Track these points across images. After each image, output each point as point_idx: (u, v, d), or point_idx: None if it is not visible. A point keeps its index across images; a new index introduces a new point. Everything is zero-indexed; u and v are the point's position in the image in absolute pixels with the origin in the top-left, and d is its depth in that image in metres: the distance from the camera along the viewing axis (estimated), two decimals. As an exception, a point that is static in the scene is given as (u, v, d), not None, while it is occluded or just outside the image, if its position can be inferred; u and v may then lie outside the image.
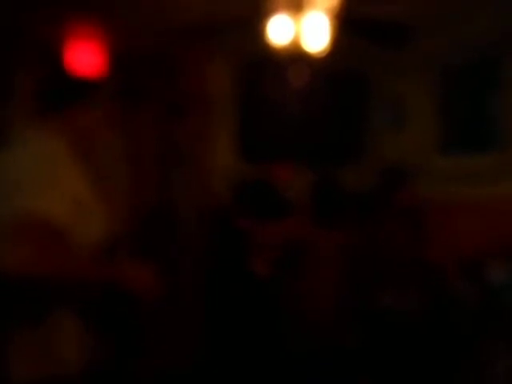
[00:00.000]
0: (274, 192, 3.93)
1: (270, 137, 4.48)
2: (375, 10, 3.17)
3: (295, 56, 3.09)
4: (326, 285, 3.73)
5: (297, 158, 4.23)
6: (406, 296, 3.45)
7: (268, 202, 3.93)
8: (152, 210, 4.20)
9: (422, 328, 3.33)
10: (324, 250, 3.77)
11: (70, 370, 1.51)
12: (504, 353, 3.05)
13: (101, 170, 3.34)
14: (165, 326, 3.56)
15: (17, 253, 1.32)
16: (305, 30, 3.03)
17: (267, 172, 4.10)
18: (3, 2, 3.11)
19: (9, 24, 3.31)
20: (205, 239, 4.20)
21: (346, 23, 3.05)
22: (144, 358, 2.54)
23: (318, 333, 3.64)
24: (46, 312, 1.46)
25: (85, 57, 3.29)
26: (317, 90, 4.41)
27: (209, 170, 4.33)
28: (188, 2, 3.43)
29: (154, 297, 1.63)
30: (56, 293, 1.45)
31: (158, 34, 3.86)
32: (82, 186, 1.58)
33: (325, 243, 3.79)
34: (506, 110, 3.96)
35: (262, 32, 3.12)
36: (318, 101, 4.52)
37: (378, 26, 3.17)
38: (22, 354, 1.46)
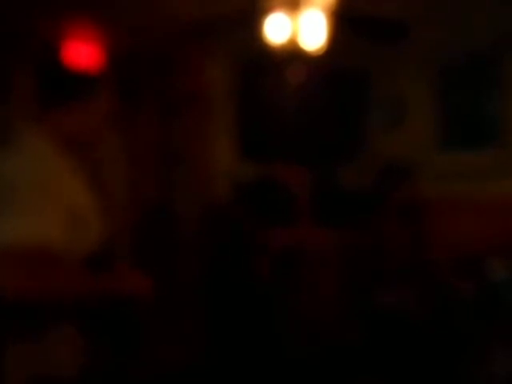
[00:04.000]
0: (275, 192, 3.94)
1: (269, 135, 4.47)
2: (372, 7, 3.16)
3: (293, 54, 3.09)
4: (326, 284, 3.73)
5: (296, 157, 4.22)
6: (407, 294, 3.45)
7: (270, 202, 3.94)
8: (152, 210, 4.19)
9: (423, 326, 3.33)
10: (324, 249, 3.77)
11: (66, 373, 1.51)
12: (504, 351, 3.04)
13: (99, 170, 3.34)
14: (164, 328, 3.55)
15: (13, 280, 1.32)
16: (302, 28, 3.03)
17: (268, 172, 4.10)
18: (1, 1, 3.11)
19: (7, 23, 3.30)
20: (205, 239, 4.19)
21: (343, 21, 3.04)
22: (141, 361, 2.53)
23: (319, 332, 3.64)
24: (42, 321, 1.46)
25: (83, 55, 3.27)
26: (315, 88, 4.41)
27: (209, 168, 4.32)
28: (186, 1, 3.43)
29: (152, 302, 1.62)
30: (53, 306, 1.44)
31: (156, 33, 3.86)
32: (80, 192, 1.56)
33: (325, 242, 3.79)
34: (505, 107, 3.96)
35: (259, 30, 3.12)
36: (316, 99, 4.51)
37: (374, 23, 3.16)
38: (18, 357, 1.45)
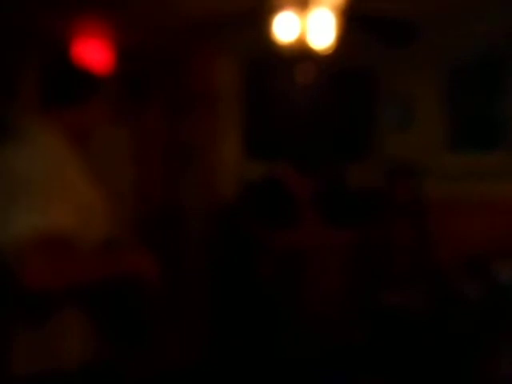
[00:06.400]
0: (281, 192, 3.93)
1: (276, 135, 4.47)
2: (382, 7, 3.15)
3: (301, 53, 3.08)
4: (330, 284, 3.72)
5: (303, 157, 4.22)
6: (413, 295, 3.44)
7: (275, 201, 3.93)
8: (158, 209, 4.19)
9: (428, 326, 3.32)
10: (329, 249, 3.76)
11: (71, 365, 1.51)
12: (510, 352, 3.03)
13: (107, 168, 3.34)
14: (168, 326, 3.56)
15: (29, 270, 1.34)
16: (311, 27, 3.02)
17: (274, 172, 4.09)
18: (9, 1, 3.12)
19: (16, 21, 3.31)
20: (211, 239, 4.20)
21: (352, 20, 3.03)
22: (146, 356, 2.54)
23: (323, 332, 3.63)
24: (50, 309, 1.47)
25: (92, 54, 3.28)
26: (323, 88, 4.40)
27: (215, 167, 4.32)
28: (194, 0, 3.43)
29: (157, 282, 1.62)
30: (61, 293, 1.45)
31: (165, 31, 3.86)
32: (86, 186, 1.57)
33: (330, 242, 3.78)
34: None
35: (268, 29, 3.11)
36: (324, 98, 4.51)
37: (384, 23, 3.15)
38: (24, 347, 1.46)
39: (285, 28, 3.06)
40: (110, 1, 3.21)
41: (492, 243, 3.59)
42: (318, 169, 4.19)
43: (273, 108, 4.47)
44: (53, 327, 1.48)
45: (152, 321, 1.72)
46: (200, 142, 4.26)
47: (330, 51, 3.09)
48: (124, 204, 3.88)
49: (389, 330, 3.41)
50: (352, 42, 3.23)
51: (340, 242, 3.79)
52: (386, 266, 3.66)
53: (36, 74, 3.21)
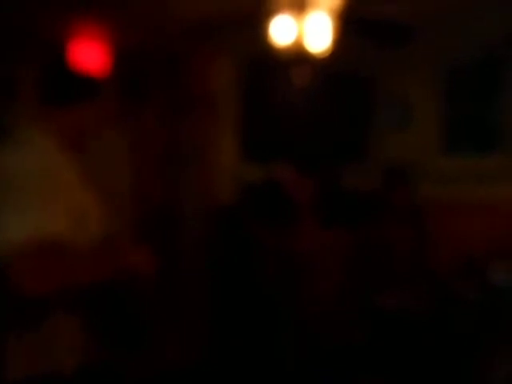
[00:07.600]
0: (279, 193, 3.94)
1: (273, 136, 4.48)
2: (378, 9, 3.17)
3: (298, 56, 3.10)
4: (329, 285, 3.73)
5: (301, 159, 4.23)
6: (409, 296, 3.45)
7: (274, 203, 3.95)
8: (157, 210, 4.21)
9: (427, 327, 3.33)
10: (328, 250, 3.77)
11: (67, 369, 1.52)
12: (507, 354, 3.04)
13: (105, 168, 3.36)
14: (167, 327, 3.58)
15: (22, 276, 1.35)
16: (307, 30, 3.04)
17: (273, 174, 4.11)
18: (7, 1, 3.14)
19: (13, 23, 3.32)
20: (210, 240, 4.21)
21: (348, 23, 3.05)
22: (146, 356, 2.56)
23: (323, 331, 3.64)
24: (44, 312, 1.48)
25: (89, 55, 3.30)
26: (320, 90, 4.41)
27: (212, 169, 4.33)
28: (192, 2, 3.45)
29: (156, 277, 1.63)
30: (56, 296, 1.46)
31: (162, 33, 3.88)
32: (85, 191, 1.59)
33: (329, 244, 3.79)
34: (511, 110, 3.95)
35: (265, 32, 3.13)
36: (321, 101, 4.52)
37: (380, 25, 3.17)
38: (19, 351, 1.47)
39: (282, 31, 3.08)
40: (109, 1, 3.23)
41: (490, 245, 3.60)
42: (316, 170, 4.20)
43: (271, 110, 4.49)
44: (50, 330, 1.48)
45: (151, 321, 1.74)
46: (199, 142, 4.27)
47: (327, 54, 3.11)
48: (123, 204, 3.90)
49: (388, 330, 3.42)
50: (349, 45, 3.25)
51: (339, 242, 3.80)
52: (386, 267, 3.67)
53: (35, 74, 3.23)
